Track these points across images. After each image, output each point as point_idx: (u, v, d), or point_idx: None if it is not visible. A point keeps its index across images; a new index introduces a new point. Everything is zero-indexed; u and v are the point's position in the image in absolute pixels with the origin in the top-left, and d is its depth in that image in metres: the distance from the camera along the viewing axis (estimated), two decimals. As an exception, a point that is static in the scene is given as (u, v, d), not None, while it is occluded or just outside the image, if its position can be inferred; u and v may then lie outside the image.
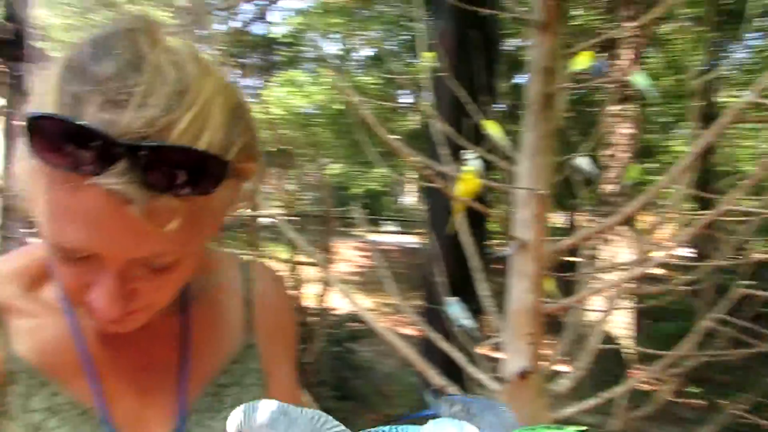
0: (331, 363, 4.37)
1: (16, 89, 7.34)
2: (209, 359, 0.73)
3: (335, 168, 15.05)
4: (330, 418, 0.58)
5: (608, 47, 5.89)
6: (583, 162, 2.08)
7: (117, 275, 0.55)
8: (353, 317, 5.27)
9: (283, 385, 0.79)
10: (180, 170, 0.50)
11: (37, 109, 0.50)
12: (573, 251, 2.10)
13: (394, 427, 0.55)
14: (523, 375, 1.60)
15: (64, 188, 0.50)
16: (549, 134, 1.65)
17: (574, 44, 1.79)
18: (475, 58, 2.58)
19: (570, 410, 1.70)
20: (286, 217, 3.26)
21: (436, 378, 1.69)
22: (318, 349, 3.12)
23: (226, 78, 0.58)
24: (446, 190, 1.25)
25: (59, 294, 0.66)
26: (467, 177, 1.48)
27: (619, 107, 6.29)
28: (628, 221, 1.79)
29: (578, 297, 1.67)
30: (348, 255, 14.67)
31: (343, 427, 0.57)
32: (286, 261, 3.45)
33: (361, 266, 14.28)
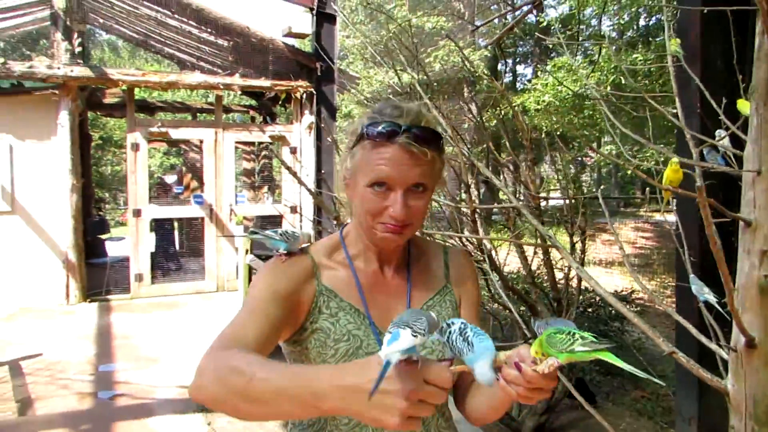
0: (597, 340, 4.47)
1: (324, 109, 8.76)
2: (422, 292, 1.31)
3: (609, 148, 14.47)
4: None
5: None
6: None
7: (403, 194, 1.14)
8: (622, 298, 5.30)
9: (466, 314, 1.34)
10: (427, 136, 1.14)
11: (366, 123, 1.19)
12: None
13: (461, 321, 0.94)
14: (750, 345, 1.71)
15: (380, 148, 1.14)
16: (775, 118, 1.72)
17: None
18: (725, 39, 2.58)
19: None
20: (533, 203, 3.55)
21: (664, 345, 1.88)
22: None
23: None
24: (649, 180, 1.46)
25: (345, 256, 1.29)
26: (673, 167, 1.66)
27: None
28: None
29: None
30: (631, 236, 14.10)
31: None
32: (536, 245, 3.72)
33: (640, 247, 13.59)
